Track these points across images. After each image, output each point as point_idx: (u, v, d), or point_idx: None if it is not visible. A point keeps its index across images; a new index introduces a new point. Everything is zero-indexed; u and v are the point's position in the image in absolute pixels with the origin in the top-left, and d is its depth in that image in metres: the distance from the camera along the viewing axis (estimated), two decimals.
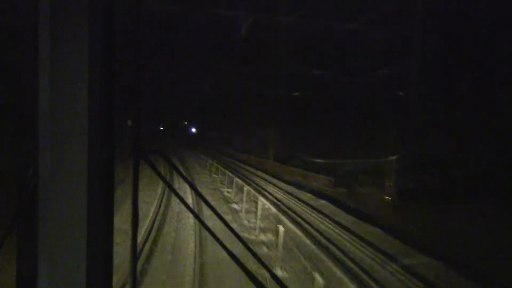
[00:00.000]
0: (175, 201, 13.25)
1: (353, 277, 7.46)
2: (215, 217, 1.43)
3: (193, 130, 67.76)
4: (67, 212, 1.16)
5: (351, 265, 8.23)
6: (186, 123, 72.50)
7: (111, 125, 1.26)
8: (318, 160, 22.17)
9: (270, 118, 31.34)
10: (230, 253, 1.30)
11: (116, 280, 5.56)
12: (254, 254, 1.45)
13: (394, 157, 16.37)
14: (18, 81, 1.26)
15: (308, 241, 9.76)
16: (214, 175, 21.73)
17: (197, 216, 1.53)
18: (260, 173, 23.90)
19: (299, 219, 12.11)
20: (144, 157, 1.39)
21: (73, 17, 1.13)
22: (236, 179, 16.44)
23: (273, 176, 22.68)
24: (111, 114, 1.25)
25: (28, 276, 1.19)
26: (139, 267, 6.99)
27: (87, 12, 1.14)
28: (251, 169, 25.42)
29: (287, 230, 8.89)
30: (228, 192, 16.54)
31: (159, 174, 1.47)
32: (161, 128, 79.95)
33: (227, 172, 19.33)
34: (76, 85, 1.15)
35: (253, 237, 10.20)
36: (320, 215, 12.86)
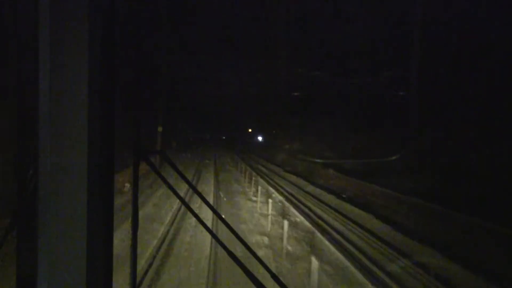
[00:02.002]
0: None
1: None
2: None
3: (259, 138, 58.59)
4: (67, 212, 1.16)
5: None
6: (250, 130, 63.93)
7: (111, 125, 1.26)
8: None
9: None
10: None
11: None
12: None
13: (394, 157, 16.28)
14: (18, 81, 1.26)
15: None
16: None
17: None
18: None
19: None
20: (144, 157, 1.39)
21: (73, 17, 1.13)
22: None
23: None
24: (111, 114, 1.26)
25: (28, 276, 1.19)
26: None
27: (87, 12, 1.14)
28: None
29: None
30: None
31: (159, 175, 1.47)
32: (224, 138, 73.27)
33: None
34: (76, 85, 1.15)
35: None
36: None
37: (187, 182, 1.57)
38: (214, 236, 1.53)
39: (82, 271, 1.17)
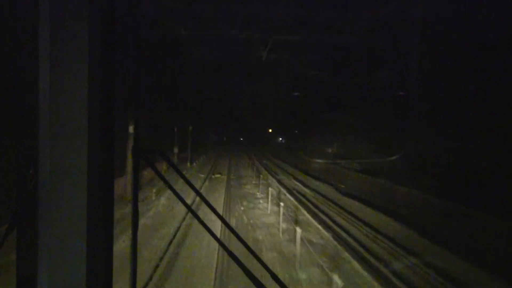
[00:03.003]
0: None
1: None
2: None
3: (280, 139, 56.10)
4: (67, 212, 1.16)
5: None
6: (270, 130, 61.12)
7: (111, 125, 1.26)
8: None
9: None
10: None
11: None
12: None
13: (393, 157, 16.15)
14: (18, 81, 1.26)
15: None
16: None
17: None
18: None
19: None
20: (144, 157, 1.39)
21: (73, 17, 1.13)
22: None
23: None
24: (111, 114, 1.26)
25: (28, 276, 1.19)
26: None
27: (87, 12, 1.14)
28: None
29: None
30: None
31: (159, 175, 1.46)
32: (241, 139, 72.02)
33: None
34: (76, 85, 1.15)
35: None
36: None
37: (189, 184, 1.56)
38: (214, 236, 1.53)
39: (82, 271, 1.17)
